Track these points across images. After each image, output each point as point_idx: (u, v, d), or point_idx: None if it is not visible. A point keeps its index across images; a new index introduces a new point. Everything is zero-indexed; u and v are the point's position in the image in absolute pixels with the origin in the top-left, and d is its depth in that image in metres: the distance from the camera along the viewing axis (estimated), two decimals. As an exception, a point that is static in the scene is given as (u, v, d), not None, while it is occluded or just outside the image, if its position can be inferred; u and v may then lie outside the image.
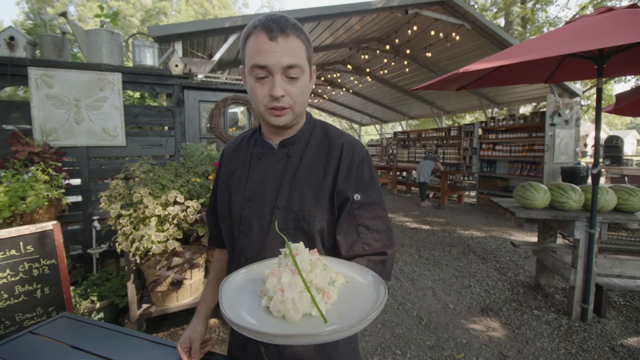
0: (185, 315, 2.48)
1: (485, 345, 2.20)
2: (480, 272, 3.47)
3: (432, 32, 6.38)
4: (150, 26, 3.45)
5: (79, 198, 2.67)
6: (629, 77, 10.98)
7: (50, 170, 2.23)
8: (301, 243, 0.59)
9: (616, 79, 11.21)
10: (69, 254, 2.64)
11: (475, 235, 5.00)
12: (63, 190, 2.27)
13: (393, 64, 8.22)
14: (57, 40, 2.59)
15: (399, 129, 14.89)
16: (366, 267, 0.71)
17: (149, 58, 2.90)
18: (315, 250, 0.60)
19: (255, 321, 0.49)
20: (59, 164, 2.36)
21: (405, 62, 8.06)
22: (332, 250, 0.79)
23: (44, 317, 1.68)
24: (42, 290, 1.69)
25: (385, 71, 8.83)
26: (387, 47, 7.53)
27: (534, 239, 4.23)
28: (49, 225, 1.76)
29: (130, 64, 3.04)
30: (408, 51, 7.54)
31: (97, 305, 2.22)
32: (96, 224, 2.55)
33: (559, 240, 3.50)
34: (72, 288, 2.23)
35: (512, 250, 4.22)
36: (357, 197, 0.75)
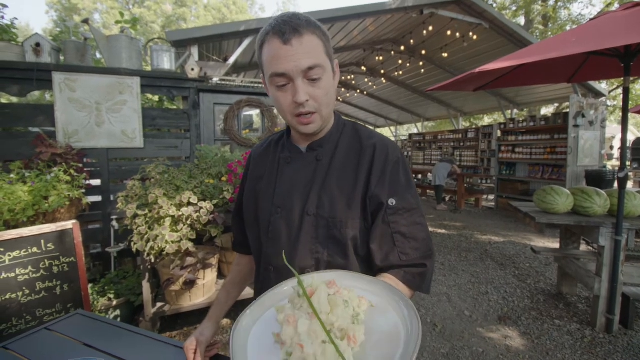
0: (198, 315, 2.52)
1: (502, 355, 2.12)
2: (498, 279, 3.36)
3: (449, 32, 6.26)
4: (167, 31, 3.54)
5: (98, 198, 2.76)
6: (660, 76, 10.43)
7: (72, 171, 2.31)
8: (314, 276, 0.55)
9: (646, 78, 10.66)
10: (88, 253, 2.73)
11: (493, 240, 4.85)
12: (84, 191, 2.35)
13: (408, 65, 8.13)
14: (79, 46, 2.69)
15: (415, 130, 14.69)
16: (402, 280, 0.66)
17: (167, 62, 2.98)
18: (334, 280, 0.55)
19: None
20: (80, 165, 2.45)
21: (421, 63, 7.95)
22: (365, 259, 0.73)
23: (62, 313, 1.74)
24: (62, 287, 1.75)
25: (400, 72, 8.74)
26: (402, 48, 7.45)
27: (556, 245, 4.06)
28: (69, 224, 1.82)
29: (148, 68, 3.13)
30: (423, 52, 7.43)
31: (114, 302, 2.28)
32: (114, 223, 2.63)
33: (583, 247, 3.34)
34: (90, 285, 2.30)
35: (532, 256, 4.06)
36: (392, 202, 0.70)
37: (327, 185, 0.72)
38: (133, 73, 2.75)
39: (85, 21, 2.68)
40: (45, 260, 1.71)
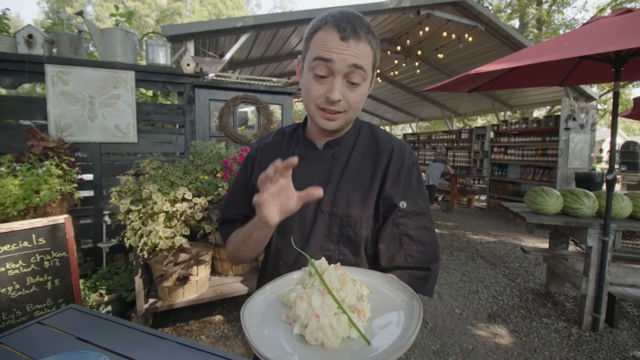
0: (191, 311, 2.51)
1: (491, 353, 2.16)
2: (488, 278, 3.41)
3: (444, 33, 6.31)
4: (163, 25, 3.51)
5: (91, 193, 2.73)
6: (648, 81, 10.65)
7: (64, 165, 2.28)
8: (323, 259, 0.57)
9: (635, 83, 10.88)
10: (80, 248, 2.70)
11: (484, 240, 4.92)
12: (76, 185, 2.32)
13: (404, 65, 8.16)
14: (73, 38, 2.65)
15: (409, 130, 14.78)
16: (406, 282, 0.68)
17: (162, 57, 2.95)
18: (339, 263, 0.57)
19: (297, 356, 0.45)
20: (73, 159, 2.42)
21: (417, 64, 7.99)
22: (372, 259, 0.75)
23: (53, 308, 1.72)
24: (53, 282, 1.73)
25: (396, 72, 8.77)
26: (399, 48, 7.47)
27: (545, 245, 4.13)
28: (60, 218, 1.80)
29: (143, 62, 3.10)
30: (419, 52, 7.47)
31: (106, 298, 2.27)
32: (107, 218, 2.60)
33: (571, 248, 3.41)
34: (81, 281, 2.28)
35: (522, 256, 4.13)
36: (403, 204, 0.71)
37: (343, 184, 0.73)
38: (128, 67, 2.72)
39: (80, 13, 2.64)
40: (36, 255, 1.69)
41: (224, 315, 2.52)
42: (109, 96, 2.69)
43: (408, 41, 7.12)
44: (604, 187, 2.36)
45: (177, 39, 3.53)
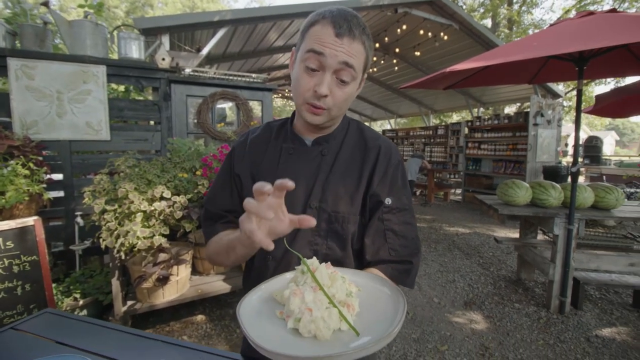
0: (172, 311, 2.46)
1: (467, 338, 2.27)
2: (464, 267, 3.56)
3: (421, 32, 6.45)
4: (136, 18, 3.37)
5: (60, 193, 2.60)
6: (608, 80, 11.37)
7: (31, 165, 2.16)
8: (315, 258, 0.59)
9: (597, 81, 11.58)
10: (50, 251, 2.57)
11: (460, 231, 5.11)
12: (44, 185, 2.21)
13: (382, 62, 8.27)
14: (38, 30, 2.50)
15: (388, 127, 15.01)
16: (389, 276, 0.71)
17: (135, 51, 2.84)
18: (329, 262, 0.60)
19: (292, 346, 0.47)
20: (40, 158, 2.30)
21: (395, 61, 8.12)
22: (357, 253, 0.77)
23: (24, 315, 1.64)
24: (23, 287, 1.65)
25: (375, 69, 8.88)
26: (377, 45, 7.56)
27: (516, 235, 4.35)
28: (29, 220, 1.71)
29: (115, 56, 2.97)
30: (397, 50, 7.60)
31: (81, 302, 2.18)
32: (79, 219, 2.49)
33: (540, 237, 3.62)
34: (54, 285, 2.18)
35: (495, 246, 4.34)
36: (388, 201, 0.74)
37: (331, 181, 0.74)
38: (98, 61, 2.60)
39: (45, 4, 2.48)
40: (4, 259, 1.60)
41: (206, 314, 2.49)
42: (78, 92, 2.56)
43: (386, 38, 7.22)
44: (569, 179, 2.51)
45: (151, 32, 3.40)
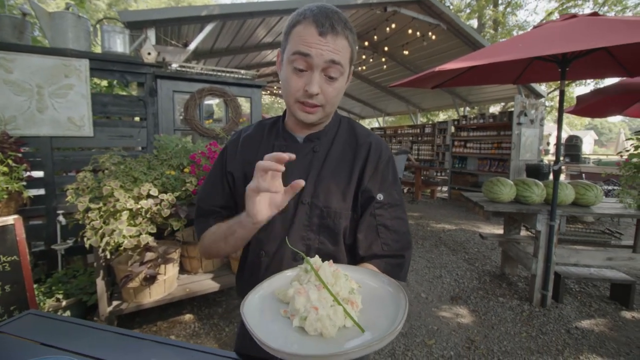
0: (159, 311, 2.43)
1: (454, 331, 2.32)
2: (450, 263, 3.63)
3: (410, 31, 6.50)
4: (120, 11, 3.27)
5: (41, 191, 2.51)
6: (588, 81, 11.76)
7: (10, 162, 2.08)
8: (317, 257, 0.59)
9: (577, 82, 11.96)
10: (30, 251, 2.48)
11: (446, 228, 5.21)
12: (24, 183, 2.13)
13: (371, 60, 8.31)
14: (16, 22, 2.40)
15: (376, 125, 15.11)
16: (383, 270, 0.72)
17: (119, 45, 2.76)
18: (331, 261, 0.60)
19: (298, 344, 0.48)
20: (19, 155, 2.21)
21: (383, 59, 8.16)
22: (350, 248, 0.78)
23: (4, 317, 1.58)
24: (3, 288, 1.59)
25: (364, 67, 8.91)
26: (366, 43, 7.59)
27: (500, 231, 4.48)
28: (9, 219, 1.65)
29: (98, 50, 2.88)
30: (386, 48, 7.64)
31: (63, 303, 2.12)
32: (61, 218, 2.42)
33: (523, 233, 3.72)
34: (35, 286, 2.11)
35: (480, 242, 4.44)
36: (380, 196, 0.75)
37: (323, 177, 0.75)
38: (81, 55, 2.52)
39: (22, -7, 2.39)
40: (-18, 260, 1.54)
41: (194, 313, 2.46)
42: (59, 86, 2.48)
43: (375, 37, 7.25)
44: (551, 176, 2.59)
45: (136, 26, 3.31)
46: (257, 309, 0.55)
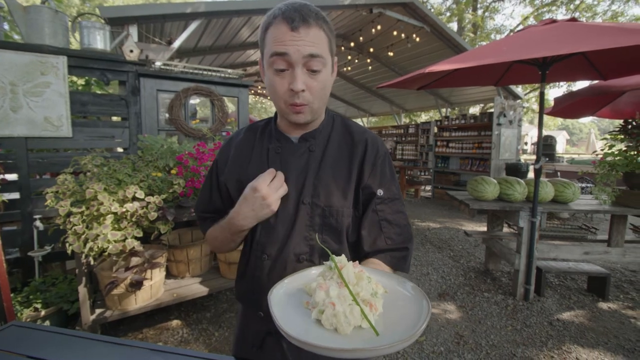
0: (144, 318, 2.35)
1: (443, 327, 2.37)
2: (437, 261, 3.71)
3: (395, 33, 6.60)
4: (101, 7, 3.15)
5: (16, 195, 2.38)
6: (561, 83, 12.31)
7: (-19, 164, 1.96)
8: (343, 256, 0.59)
9: (551, 84, 12.50)
10: (5, 258, 2.35)
11: (431, 226, 5.32)
12: (-3, 186, 2.01)
13: (357, 61, 8.37)
14: (-15, 14, 2.26)
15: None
16: (388, 264, 0.73)
17: (100, 41, 2.65)
18: (357, 262, 0.61)
19: (312, 334, 0.49)
20: (-8, 157, 2.09)
21: (368, 60, 8.24)
22: (353, 245, 0.78)
23: (-21, 329, 1.48)
24: (-24, 298, 1.49)
25: (349, 68, 8.97)
26: (352, 44, 7.64)
27: (483, 228, 4.61)
28: (-17, 225, 1.55)
29: (77, 46, 2.76)
30: (371, 49, 7.72)
31: (43, 312, 2.02)
32: (38, 223, 2.30)
33: (505, 229, 3.85)
34: (11, 295, 1.99)
35: (464, 239, 4.56)
36: (380, 192, 0.76)
37: (322, 176, 0.75)
38: (58, 51, 2.40)
39: (-6, -15, 2.25)
40: (-47, 269, 1.44)
41: (181, 319, 2.40)
42: (35, 84, 2.35)
43: (361, 38, 7.31)
44: (530, 175, 2.69)
45: (117, 22, 3.19)
46: (283, 299, 0.58)
